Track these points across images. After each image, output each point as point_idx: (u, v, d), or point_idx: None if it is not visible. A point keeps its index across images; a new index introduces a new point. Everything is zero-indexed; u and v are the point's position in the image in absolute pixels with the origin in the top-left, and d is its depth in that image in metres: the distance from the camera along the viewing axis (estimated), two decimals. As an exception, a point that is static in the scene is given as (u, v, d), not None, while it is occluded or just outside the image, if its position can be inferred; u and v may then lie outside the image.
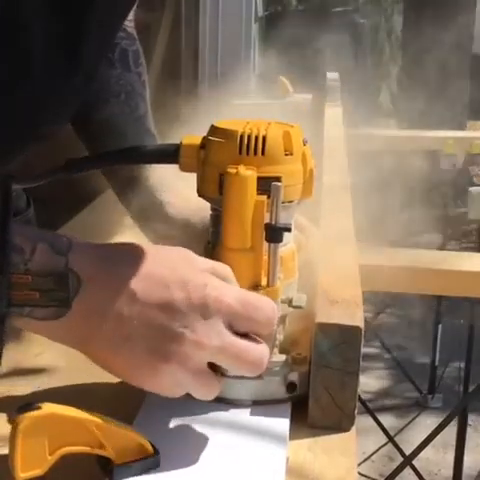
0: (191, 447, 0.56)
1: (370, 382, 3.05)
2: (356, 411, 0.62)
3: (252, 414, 0.61)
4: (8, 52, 0.64)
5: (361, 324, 0.61)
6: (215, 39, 2.91)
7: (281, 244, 0.60)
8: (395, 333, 3.35)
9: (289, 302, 0.64)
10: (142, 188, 0.87)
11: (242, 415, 0.61)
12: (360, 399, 2.03)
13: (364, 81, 4.95)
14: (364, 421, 2.35)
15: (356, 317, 0.62)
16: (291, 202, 0.63)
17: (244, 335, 0.55)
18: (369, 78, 5.27)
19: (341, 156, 1.37)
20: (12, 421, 0.47)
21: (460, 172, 3.26)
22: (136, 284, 0.54)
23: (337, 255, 0.81)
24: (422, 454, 2.20)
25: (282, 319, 0.64)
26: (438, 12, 5.20)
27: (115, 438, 0.50)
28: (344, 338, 0.60)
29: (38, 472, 0.47)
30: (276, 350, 0.64)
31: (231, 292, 0.56)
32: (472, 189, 2.17)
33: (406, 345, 3.23)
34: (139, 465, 0.51)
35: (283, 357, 0.64)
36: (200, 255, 0.60)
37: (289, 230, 0.60)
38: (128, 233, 1.15)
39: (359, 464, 2.47)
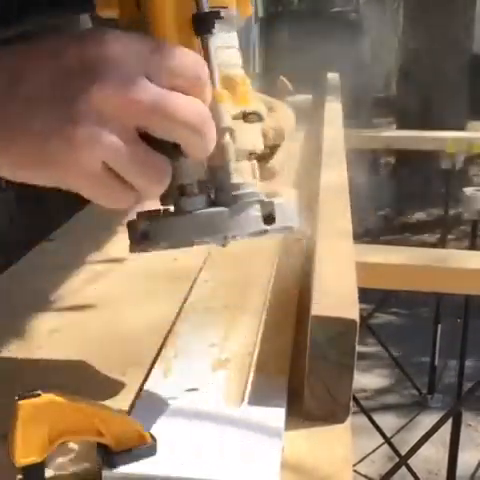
0: (187, 436, 0.57)
1: (369, 382, 3.06)
2: (351, 403, 0.63)
3: (248, 404, 0.62)
4: None
5: (356, 317, 0.62)
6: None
7: (223, 45, 0.52)
8: (394, 332, 3.35)
9: (244, 115, 0.54)
10: None
11: (239, 405, 0.62)
12: (355, 399, 2.04)
13: (366, 80, 4.96)
14: (365, 421, 2.36)
15: (351, 310, 0.63)
16: (225, 9, 0.53)
17: None
18: (370, 77, 5.29)
19: (340, 156, 1.38)
20: (12, 408, 0.48)
21: (460, 172, 3.28)
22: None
23: (334, 251, 0.82)
24: (422, 453, 2.21)
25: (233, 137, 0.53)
26: (438, 12, 5.21)
27: (114, 426, 0.51)
28: (339, 331, 0.61)
29: (37, 459, 0.48)
30: (243, 176, 0.53)
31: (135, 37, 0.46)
32: (466, 190, 2.18)
33: (405, 344, 3.24)
34: (137, 452, 0.52)
35: (254, 183, 0.54)
36: None
37: (219, 15, 0.50)
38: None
39: (358, 463, 2.48)
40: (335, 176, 1.20)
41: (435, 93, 5.24)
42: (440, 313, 2.84)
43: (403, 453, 2.15)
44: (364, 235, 4.30)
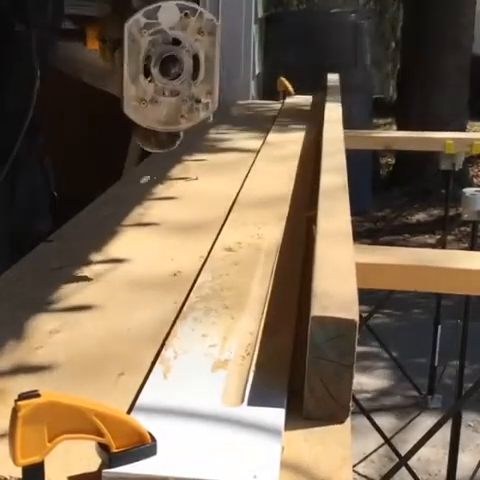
0: (187, 436, 0.57)
1: (370, 382, 3.06)
2: (351, 403, 0.63)
3: (248, 404, 0.62)
4: None
5: (356, 317, 0.62)
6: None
7: None
8: (394, 333, 3.35)
9: None
10: None
11: (238, 405, 0.62)
12: (355, 399, 2.05)
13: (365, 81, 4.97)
14: (365, 421, 2.35)
15: (351, 311, 0.63)
16: None
17: None
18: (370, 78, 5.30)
19: (339, 156, 1.38)
20: (12, 408, 0.48)
21: (460, 173, 3.27)
22: None
23: (334, 252, 0.82)
24: (422, 454, 2.21)
25: None
26: (438, 12, 5.21)
27: (114, 426, 0.51)
28: (339, 331, 0.61)
29: (37, 459, 0.48)
30: None
31: None
32: (466, 190, 2.17)
33: (405, 345, 3.24)
34: (137, 452, 0.52)
35: None
36: None
37: None
38: (128, 233, 1.17)
39: (358, 464, 2.48)
40: (335, 177, 1.20)
41: (435, 93, 5.24)
42: (440, 314, 2.84)
43: (403, 454, 2.15)
44: (364, 236, 4.30)
